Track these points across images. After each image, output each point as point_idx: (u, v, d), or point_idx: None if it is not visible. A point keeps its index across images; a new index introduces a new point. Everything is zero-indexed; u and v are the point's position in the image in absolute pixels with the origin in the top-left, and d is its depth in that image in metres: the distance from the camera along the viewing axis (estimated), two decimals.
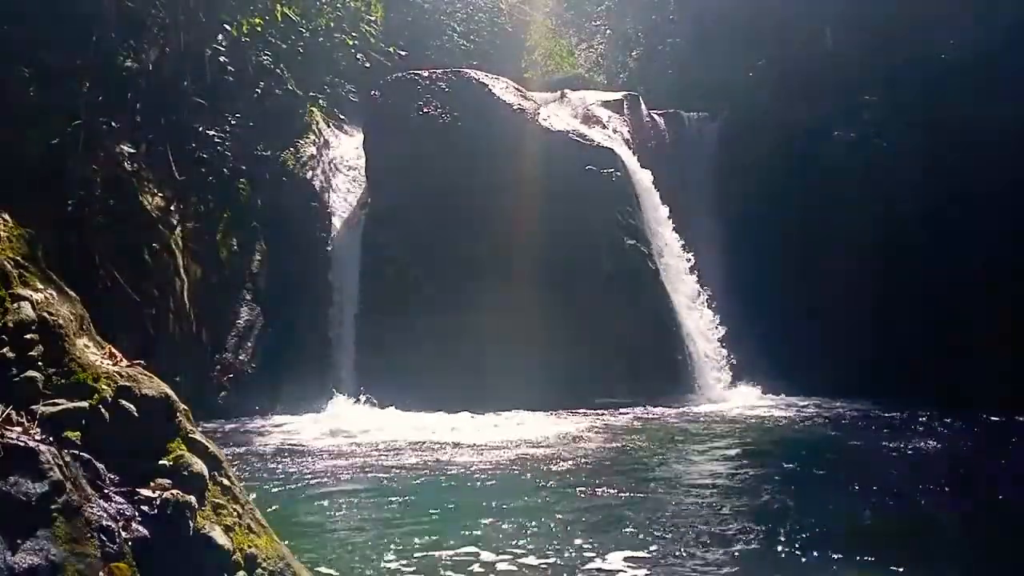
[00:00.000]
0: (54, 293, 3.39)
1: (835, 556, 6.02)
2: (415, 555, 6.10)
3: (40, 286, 3.34)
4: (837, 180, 16.42)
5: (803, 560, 5.97)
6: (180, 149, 14.52)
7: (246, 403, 13.90)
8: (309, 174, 16.71)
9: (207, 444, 3.41)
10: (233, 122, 15.66)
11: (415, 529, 6.78)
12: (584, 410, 13.19)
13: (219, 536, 3.17)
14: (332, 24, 17.76)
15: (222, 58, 15.64)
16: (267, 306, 15.11)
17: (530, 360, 13.74)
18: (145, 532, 2.93)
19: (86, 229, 12.58)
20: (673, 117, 19.18)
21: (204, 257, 14.67)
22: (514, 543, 6.36)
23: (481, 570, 5.79)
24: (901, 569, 5.85)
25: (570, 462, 9.52)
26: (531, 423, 12.30)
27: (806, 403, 13.82)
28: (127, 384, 3.24)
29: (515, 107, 16.35)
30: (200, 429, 3.51)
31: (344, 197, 17.20)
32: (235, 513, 3.36)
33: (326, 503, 7.86)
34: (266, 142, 16.18)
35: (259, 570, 3.28)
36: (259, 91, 16.54)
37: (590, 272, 15.05)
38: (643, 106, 18.69)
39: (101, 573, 2.70)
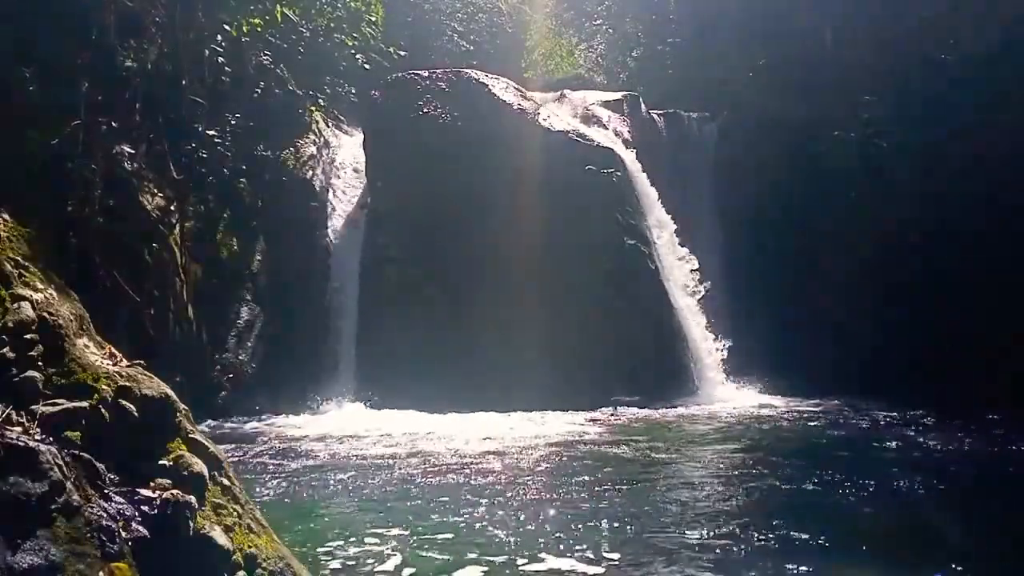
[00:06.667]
0: (54, 293, 3.39)
1: (835, 556, 6.02)
2: (415, 555, 6.10)
3: (40, 286, 3.34)
4: (837, 180, 16.43)
5: (803, 560, 5.97)
6: (180, 149, 14.52)
7: (246, 403, 13.89)
8: (309, 174, 16.71)
9: (207, 444, 3.42)
10: (233, 122, 15.67)
11: (415, 529, 6.78)
12: (584, 410, 13.17)
13: (219, 536, 3.17)
14: (332, 24, 17.76)
15: (221, 58, 15.64)
16: (267, 306, 15.11)
17: (530, 360, 13.75)
18: (145, 532, 2.93)
19: (86, 229, 12.57)
20: (673, 117, 19.17)
21: (204, 257, 14.66)
22: (514, 543, 6.36)
23: (481, 570, 5.79)
24: (901, 569, 5.85)
25: (570, 462, 9.52)
26: (531, 423, 12.30)
27: (805, 403, 13.81)
28: (127, 384, 3.24)
29: (515, 107, 16.35)
30: (200, 429, 3.51)
31: (344, 197, 17.19)
32: (235, 513, 3.36)
33: (326, 503, 7.86)
34: (266, 142, 16.18)
35: (259, 570, 3.29)
36: (259, 91, 16.55)
37: (590, 272, 15.04)
38: (643, 106, 18.69)
39: (101, 573, 2.70)
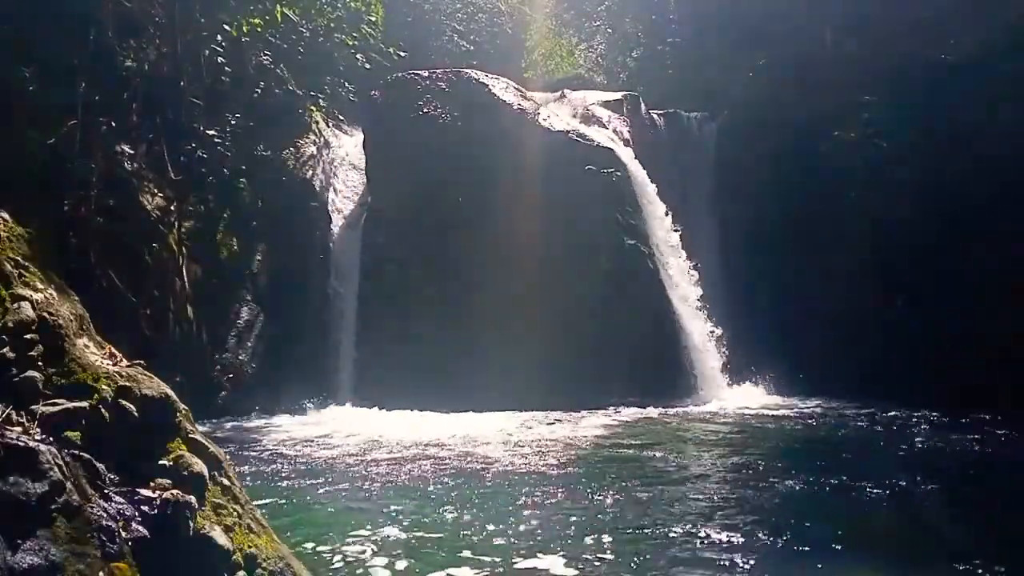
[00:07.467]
0: (54, 293, 3.39)
1: (835, 556, 6.02)
2: (415, 555, 6.10)
3: (40, 286, 3.34)
4: (837, 180, 16.42)
5: (803, 560, 5.97)
6: (180, 149, 14.52)
7: (246, 403, 13.90)
8: (309, 174, 16.72)
9: (207, 444, 3.41)
10: (233, 122, 15.67)
11: (415, 529, 6.78)
12: (584, 410, 13.19)
13: (219, 536, 3.17)
14: (332, 24, 17.77)
15: (221, 58, 15.65)
16: (267, 306, 15.11)
17: (530, 360, 13.74)
18: (145, 532, 2.93)
19: (86, 229, 12.57)
20: (673, 117, 19.17)
21: (204, 257, 14.67)
22: (512, 542, 6.36)
23: (479, 570, 5.79)
24: (901, 569, 5.85)
25: (569, 462, 9.52)
26: (530, 423, 12.30)
27: (806, 403, 13.82)
28: (127, 384, 3.23)
29: (515, 107, 16.35)
30: (200, 429, 3.51)
31: (344, 197, 17.21)
32: (235, 513, 3.36)
33: (326, 502, 7.86)
34: (266, 142, 16.18)
35: (259, 570, 3.28)
36: (259, 91, 16.55)
37: (590, 272, 15.05)
38: (643, 106, 18.68)
39: (101, 573, 2.70)
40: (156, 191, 14.05)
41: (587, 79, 24.19)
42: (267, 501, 7.62)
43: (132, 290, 12.97)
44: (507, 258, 14.88)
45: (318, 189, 16.76)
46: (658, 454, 10.07)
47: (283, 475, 9.00)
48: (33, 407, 2.94)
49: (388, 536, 6.60)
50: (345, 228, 16.68)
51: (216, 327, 14.44)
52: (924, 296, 14.81)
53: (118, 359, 3.45)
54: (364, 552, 6.18)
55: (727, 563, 5.92)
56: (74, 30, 12.98)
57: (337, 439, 11.28)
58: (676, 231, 16.34)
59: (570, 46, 26.99)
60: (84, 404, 3.06)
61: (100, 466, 2.96)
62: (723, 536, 6.52)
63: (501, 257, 14.92)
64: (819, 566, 5.84)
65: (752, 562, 5.90)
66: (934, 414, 12.02)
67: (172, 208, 14.17)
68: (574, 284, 14.88)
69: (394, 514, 7.31)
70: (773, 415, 12.90)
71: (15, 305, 3.14)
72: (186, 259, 14.19)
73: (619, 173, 15.80)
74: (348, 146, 18.09)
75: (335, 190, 17.19)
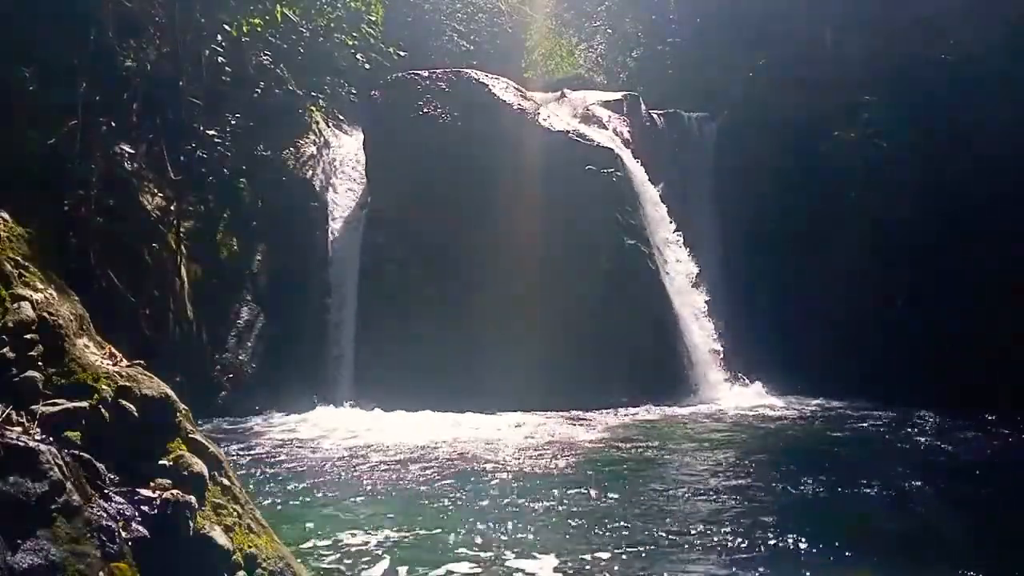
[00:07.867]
0: (54, 293, 3.39)
1: (835, 556, 6.03)
2: (413, 555, 6.10)
3: (40, 286, 3.34)
4: (837, 180, 16.42)
5: (803, 560, 5.97)
6: (180, 149, 14.53)
7: (246, 403, 13.89)
8: (309, 174, 16.72)
9: (207, 444, 3.41)
10: (233, 122, 15.67)
11: (414, 529, 6.78)
12: (584, 410, 13.18)
13: (219, 536, 3.17)
14: (332, 24, 17.78)
15: (221, 58, 15.65)
16: (267, 306, 15.11)
17: (530, 361, 13.73)
18: (145, 532, 2.93)
19: (85, 229, 12.57)
20: (673, 117, 19.16)
21: (204, 257, 14.66)
22: (511, 543, 6.36)
23: (477, 570, 5.79)
24: (901, 569, 5.85)
25: (568, 462, 9.52)
26: (530, 424, 12.30)
27: (806, 403, 13.82)
28: (127, 384, 3.23)
29: (515, 107, 16.34)
30: (200, 429, 3.51)
31: (344, 197, 17.20)
32: (235, 513, 3.36)
33: (326, 503, 7.86)
34: (266, 142, 16.18)
35: (259, 570, 3.28)
36: (259, 91, 16.55)
37: (590, 272, 15.04)
38: (643, 106, 18.67)
39: (101, 573, 2.70)
40: (156, 191, 14.05)
41: (587, 79, 24.18)
42: (267, 501, 7.62)
43: (132, 290, 12.96)
44: (507, 258, 14.87)
45: (318, 189, 16.75)
46: (658, 454, 10.07)
47: (283, 475, 9.00)
48: (33, 407, 2.94)
49: (388, 536, 6.60)
50: (345, 228, 16.67)
51: (216, 327, 14.43)
52: (924, 296, 14.80)
53: (118, 359, 3.45)
54: (363, 552, 6.19)
55: (726, 564, 5.92)
56: (74, 30, 12.98)
57: (337, 439, 11.28)
58: (676, 231, 16.34)
59: (570, 46, 26.98)
60: (84, 404, 3.06)
61: (100, 466, 2.96)
62: (722, 536, 6.53)
63: (501, 257, 14.91)
64: (819, 566, 5.84)
65: (751, 563, 5.90)
66: (934, 414, 12.02)
67: (172, 208, 14.17)
68: (574, 284, 14.87)
69: (393, 514, 7.31)
70: (773, 415, 12.90)
71: (15, 305, 3.14)
72: (186, 259, 14.19)
73: (619, 173, 15.79)
74: (348, 146, 18.08)
75: (335, 190, 17.19)
